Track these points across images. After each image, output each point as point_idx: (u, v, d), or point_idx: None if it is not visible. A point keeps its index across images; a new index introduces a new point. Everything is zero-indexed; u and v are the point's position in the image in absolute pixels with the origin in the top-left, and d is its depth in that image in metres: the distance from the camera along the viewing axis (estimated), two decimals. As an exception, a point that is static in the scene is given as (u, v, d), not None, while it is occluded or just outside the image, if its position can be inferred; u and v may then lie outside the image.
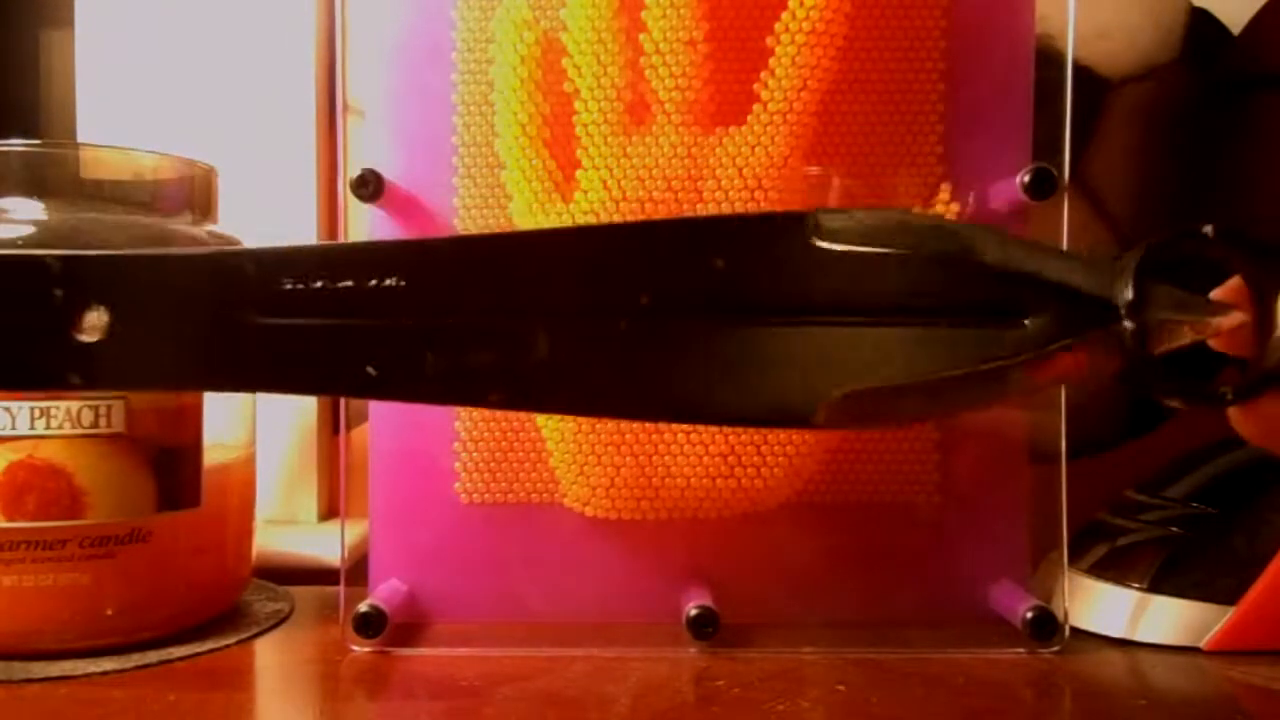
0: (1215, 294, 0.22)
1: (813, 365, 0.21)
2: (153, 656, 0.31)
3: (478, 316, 0.21)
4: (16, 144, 0.32)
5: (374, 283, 0.21)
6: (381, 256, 0.22)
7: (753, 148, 0.31)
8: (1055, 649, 0.31)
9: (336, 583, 0.33)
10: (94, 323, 0.22)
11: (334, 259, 0.22)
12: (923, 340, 0.21)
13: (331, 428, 0.43)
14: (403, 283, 0.21)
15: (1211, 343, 0.22)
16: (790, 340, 0.21)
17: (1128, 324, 0.21)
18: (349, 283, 0.21)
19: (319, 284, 0.21)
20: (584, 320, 0.21)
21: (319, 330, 0.21)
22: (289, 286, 0.21)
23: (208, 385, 0.23)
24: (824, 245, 0.21)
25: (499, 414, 0.34)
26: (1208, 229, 0.22)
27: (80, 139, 0.42)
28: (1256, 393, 0.22)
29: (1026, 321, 0.21)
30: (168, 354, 0.22)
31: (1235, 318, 0.21)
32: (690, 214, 0.31)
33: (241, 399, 0.35)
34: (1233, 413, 0.22)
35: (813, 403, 0.21)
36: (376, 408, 0.34)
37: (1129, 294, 0.21)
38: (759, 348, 0.21)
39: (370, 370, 0.21)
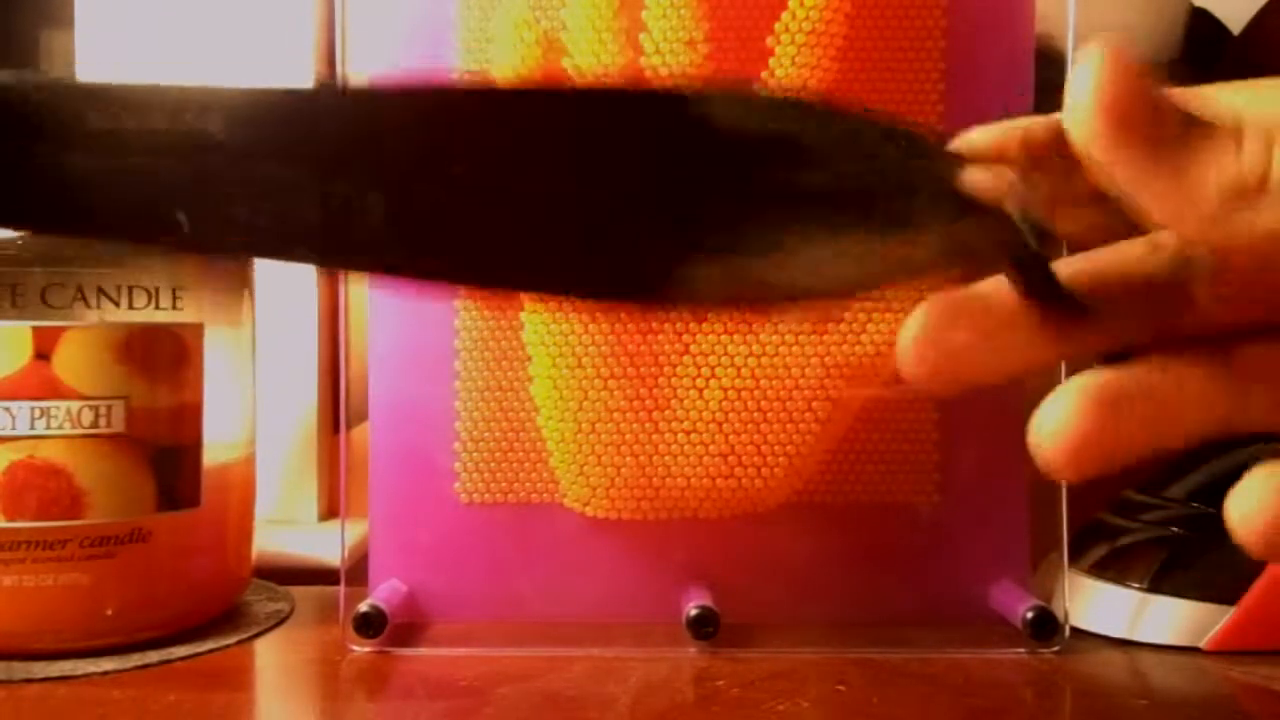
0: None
1: (669, 228, 0.19)
2: (153, 656, 0.31)
3: (304, 170, 0.19)
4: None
5: (188, 128, 0.19)
6: (198, 100, 0.20)
7: (753, 148, 0.31)
8: (1055, 649, 0.31)
9: (336, 583, 0.33)
10: None
11: (141, 99, 0.20)
12: (801, 215, 0.19)
13: (331, 427, 0.43)
14: (218, 129, 0.19)
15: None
16: (647, 203, 0.19)
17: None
18: (160, 125, 0.19)
19: (129, 123, 0.20)
20: (422, 180, 0.19)
21: (124, 171, 0.20)
22: (95, 126, 0.20)
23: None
24: (706, 120, 0.19)
25: (500, 413, 0.34)
26: None
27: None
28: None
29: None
30: None
31: None
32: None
33: (242, 399, 0.35)
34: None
35: (664, 269, 0.19)
36: (377, 407, 0.34)
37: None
38: (613, 211, 0.19)
39: (180, 218, 0.19)
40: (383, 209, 0.19)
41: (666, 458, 0.32)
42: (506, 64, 0.32)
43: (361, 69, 0.34)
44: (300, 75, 0.42)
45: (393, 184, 0.19)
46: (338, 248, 0.20)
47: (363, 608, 0.31)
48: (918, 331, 0.18)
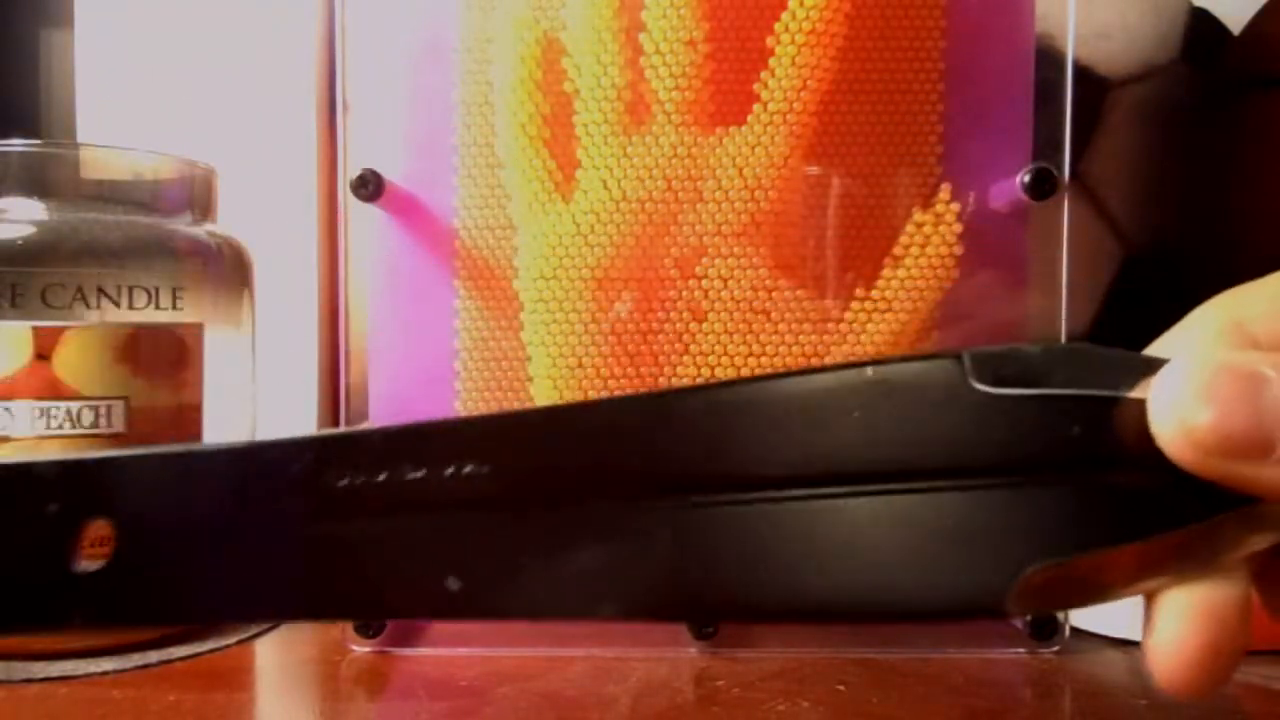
0: None
1: (987, 539, 0.16)
2: (153, 656, 0.31)
3: (583, 507, 0.17)
4: (16, 144, 0.32)
5: (451, 470, 0.17)
6: (459, 437, 0.17)
7: (753, 148, 0.31)
8: (1055, 649, 0.31)
9: (336, 583, 0.33)
10: (95, 542, 0.18)
11: (398, 443, 0.17)
12: (1118, 496, 0.16)
13: (332, 427, 0.43)
14: (485, 468, 0.17)
15: None
16: (955, 509, 0.16)
17: None
18: (419, 472, 0.17)
19: (381, 476, 0.17)
20: (705, 502, 0.17)
21: (385, 534, 0.17)
22: (344, 482, 0.17)
23: (246, 616, 0.19)
24: (986, 389, 0.17)
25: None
26: None
27: (80, 139, 0.42)
28: None
29: None
30: (189, 580, 0.17)
31: None
32: (690, 214, 0.31)
33: (242, 399, 0.35)
34: None
35: (1000, 587, 0.16)
36: (377, 407, 0.34)
37: None
38: (918, 523, 0.17)
39: (451, 583, 0.17)
40: (671, 536, 0.17)
41: (666, 458, 0.32)
42: (506, 64, 0.32)
43: (361, 68, 0.34)
44: (299, 72, 0.42)
45: (667, 502, 0.17)
46: (635, 591, 0.17)
47: (363, 608, 0.31)
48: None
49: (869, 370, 0.17)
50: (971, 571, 0.16)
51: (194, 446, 0.18)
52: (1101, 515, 0.16)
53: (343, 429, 0.18)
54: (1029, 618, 0.31)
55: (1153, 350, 0.17)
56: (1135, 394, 0.16)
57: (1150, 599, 0.17)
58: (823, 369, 0.17)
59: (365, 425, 0.18)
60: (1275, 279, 0.18)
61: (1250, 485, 0.16)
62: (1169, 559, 0.17)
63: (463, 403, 0.34)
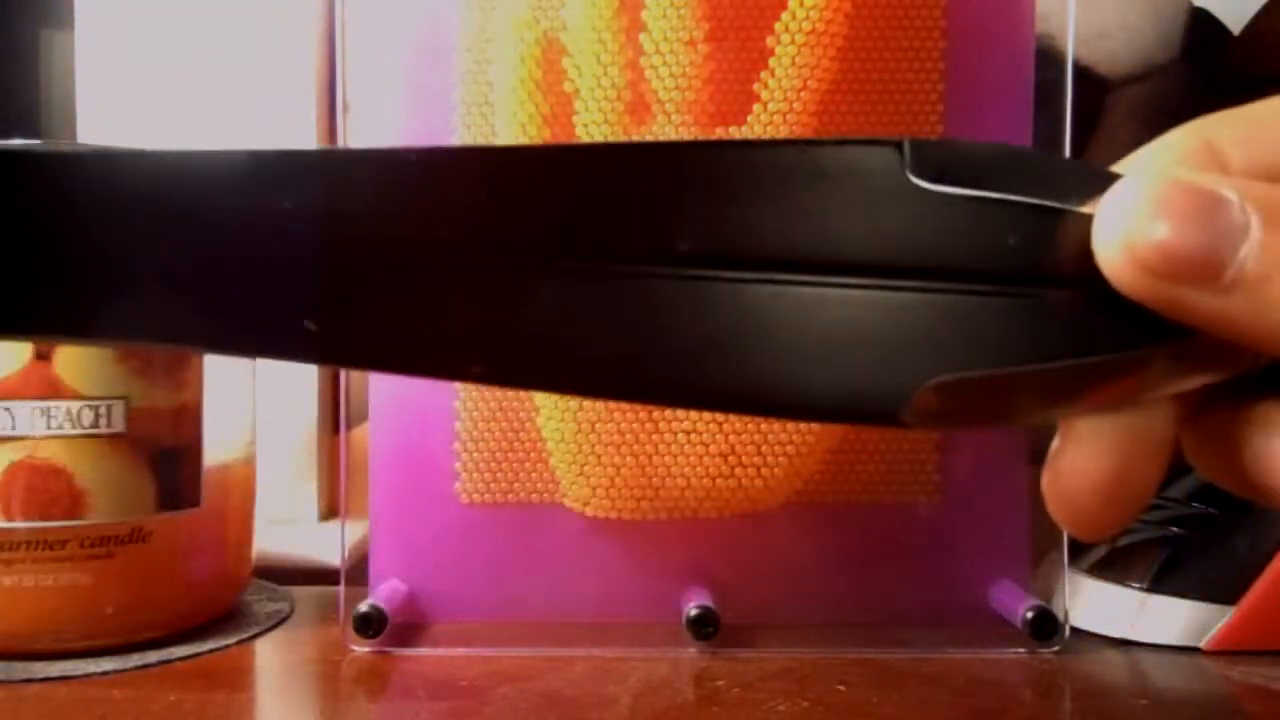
0: None
1: (898, 342, 0.15)
2: (153, 656, 0.31)
3: (459, 263, 0.15)
4: (16, 144, 0.32)
5: (321, 205, 0.16)
6: (328, 170, 0.16)
7: (753, 148, 0.31)
8: (1055, 649, 0.31)
9: (336, 583, 0.33)
10: None
11: (265, 169, 0.16)
12: (1045, 315, 0.15)
13: (332, 427, 0.43)
14: (355, 206, 0.15)
15: None
16: (871, 308, 0.15)
17: None
18: (284, 202, 0.15)
19: (243, 204, 0.16)
20: (588, 268, 0.15)
21: (244, 265, 0.16)
22: (204, 207, 0.16)
23: (94, 333, 0.16)
24: (922, 185, 0.15)
25: (499, 413, 0.34)
26: None
27: (80, 139, 0.42)
28: None
29: None
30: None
31: None
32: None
33: (242, 399, 0.35)
34: None
35: (900, 393, 0.15)
36: (377, 407, 0.34)
37: None
38: (827, 316, 0.15)
39: (309, 326, 0.16)
40: (543, 301, 0.15)
41: (666, 458, 0.32)
42: (506, 64, 0.32)
43: (361, 67, 0.34)
44: (299, 72, 0.42)
45: (553, 267, 0.15)
46: (508, 353, 0.16)
47: (363, 608, 0.31)
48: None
49: (802, 149, 0.16)
50: (872, 374, 0.15)
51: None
52: (1023, 333, 0.15)
53: (213, 149, 0.16)
54: (1031, 618, 0.31)
55: (1117, 169, 0.16)
56: (1083, 209, 0.15)
57: (1062, 427, 0.17)
58: (751, 143, 0.16)
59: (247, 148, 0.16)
60: (1261, 104, 0.17)
61: (1190, 314, 0.14)
62: (1089, 390, 0.16)
63: (463, 402, 0.34)
